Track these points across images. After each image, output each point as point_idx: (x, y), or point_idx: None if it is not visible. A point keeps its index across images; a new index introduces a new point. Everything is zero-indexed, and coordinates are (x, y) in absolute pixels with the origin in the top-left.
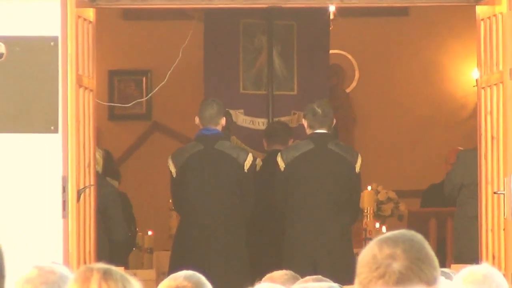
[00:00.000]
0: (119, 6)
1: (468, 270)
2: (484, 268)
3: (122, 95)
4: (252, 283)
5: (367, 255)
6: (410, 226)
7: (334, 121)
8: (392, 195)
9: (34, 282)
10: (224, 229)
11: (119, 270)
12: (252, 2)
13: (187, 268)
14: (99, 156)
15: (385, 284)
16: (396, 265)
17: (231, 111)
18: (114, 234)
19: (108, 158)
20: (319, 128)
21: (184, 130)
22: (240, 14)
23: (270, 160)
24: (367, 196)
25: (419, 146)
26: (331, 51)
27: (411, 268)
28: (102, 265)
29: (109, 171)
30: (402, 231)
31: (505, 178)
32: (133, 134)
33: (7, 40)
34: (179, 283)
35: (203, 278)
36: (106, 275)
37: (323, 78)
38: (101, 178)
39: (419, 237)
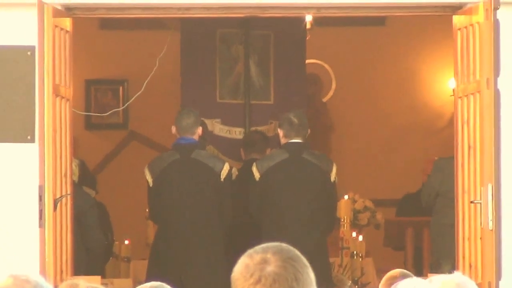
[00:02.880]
0: (95, 16)
1: (441, 279)
2: (457, 277)
3: (99, 104)
4: None
5: (240, 267)
6: (387, 235)
7: (309, 130)
8: (369, 204)
9: None
10: (201, 238)
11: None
12: (229, 12)
13: (164, 278)
14: (75, 166)
15: None
16: (270, 268)
17: (208, 121)
18: (90, 243)
19: (83, 167)
20: (295, 137)
21: (161, 139)
22: (217, 24)
23: (247, 169)
24: (344, 205)
25: (396, 155)
26: (307, 61)
27: (285, 267)
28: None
29: (85, 181)
30: (270, 243)
31: (482, 188)
32: (110, 143)
33: None
34: None
35: None
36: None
37: (299, 87)
38: (77, 188)
39: (286, 245)
